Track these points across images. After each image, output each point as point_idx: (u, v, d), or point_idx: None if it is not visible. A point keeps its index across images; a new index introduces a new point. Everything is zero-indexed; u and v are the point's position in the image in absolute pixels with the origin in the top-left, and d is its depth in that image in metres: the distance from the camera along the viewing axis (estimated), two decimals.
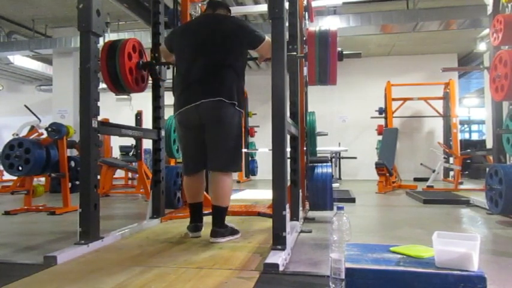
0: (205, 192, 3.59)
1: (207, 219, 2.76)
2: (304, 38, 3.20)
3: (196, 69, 2.55)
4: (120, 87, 2.90)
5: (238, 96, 2.56)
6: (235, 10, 5.51)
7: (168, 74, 3.45)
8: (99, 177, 2.52)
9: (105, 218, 3.28)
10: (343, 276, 1.47)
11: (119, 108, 10.56)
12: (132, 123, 5.41)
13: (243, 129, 9.10)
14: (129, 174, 7.80)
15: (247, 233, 2.80)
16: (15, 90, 11.91)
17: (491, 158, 5.15)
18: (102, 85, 3.13)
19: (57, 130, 4.43)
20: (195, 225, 2.69)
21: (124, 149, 8.10)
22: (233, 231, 2.64)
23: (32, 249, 2.68)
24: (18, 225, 3.74)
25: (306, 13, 3.96)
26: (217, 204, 2.58)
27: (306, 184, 3.60)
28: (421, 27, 6.75)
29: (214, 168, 2.61)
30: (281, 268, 1.93)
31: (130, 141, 7.16)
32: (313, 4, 4.86)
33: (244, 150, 8.96)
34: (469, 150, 8.21)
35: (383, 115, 8.51)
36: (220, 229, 2.55)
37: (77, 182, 4.48)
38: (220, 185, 2.58)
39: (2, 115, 11.76)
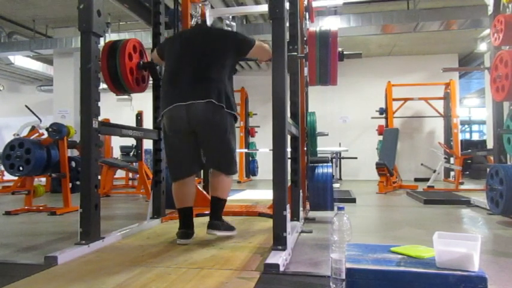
0: (204, 192, 3.60)
1: (204, 220, 2.75)
2: (305, 38, 3.21)
3: (186, 70, 2.51)
4: (120, 87, 2.90)
5: (228, 98, 2.50)
6: (236, 10, 5.50)
7: None
8: (99, 177, 2.51)
9: (105, 218, 3.28)
10: (343, 276, 1.47)
11: (120, 109, 10.57)
12: (133, 124, 5.41)
13: (244, 130, 9.23)
14: (130, 175, 7.81)
15: (248, 233, 2.79)
16: (15, 90, 11.92)
17: (491, 158, 5.14)
18: (103, 85, 3.13)
19: (57, 130, 4.43)
20: (185, 232, 2.52)
21: (125, 149, 8.10)
22: (229, 227, 2.65)
23: (33, 249, 2.69)
24: (19, 225, 3.74)
25: (307, 13, 3.96)
26: (216, 196, 2.60)
27: (307, 184, 3.61)
28: (422, 28, 6.75)
29: (215, 168, 2.63)
30: (282, 268, 1.93)
31: (131, 142, 7.18)
32: (314, 4, 4.86)
33: (244, 150, 9.00)
34: (469, 151, 8.20)
35: (384, 115, 8.51)
36: (217, 221, 2.57)
37: (78, 182, 4.49)
38: (220, 180, 2.60)
39: (2, 115, 11.77)
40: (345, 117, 10.05)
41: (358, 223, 3.61)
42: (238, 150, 8.51)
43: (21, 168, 4.27)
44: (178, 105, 2.43)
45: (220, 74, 2.50)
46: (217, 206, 2.61)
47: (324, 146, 7.74)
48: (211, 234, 2.54)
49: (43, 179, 6.46)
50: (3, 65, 9.41)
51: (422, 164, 8.41)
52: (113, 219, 4.00)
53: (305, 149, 3.62)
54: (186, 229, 2.54)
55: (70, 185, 4.49)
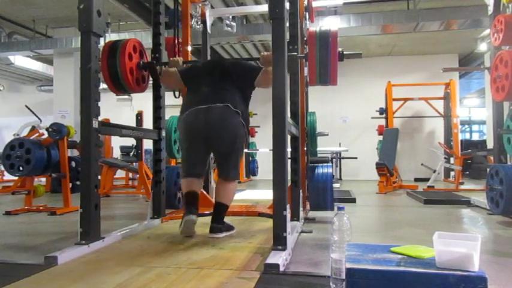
0: (204, 192, 3.60)
1: (204, 220, 2.77)
2: (305, 38, 3.21)
3: (206, 87, 2.76)
4: (120, 87, 2.90)
5: (243, 110, 2.73)
6: (236, 10, 5.49)
7: None
8: (99, 177, 2.51)
9: (105, 218, 3.28)
10: (343, 276, 1.47)
11: (120, 109, 10.57)
12: (133, 124, 5.41)
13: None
14: (130, 175, 7.80)
15: (248, 233, 2.80)
16: (16, 90, 11.92)
17: (492, 158, 5.14)
18: (103, 85, 3.13)
19: (57, 130, 4.43)
20: (190, 210, 2.63)
21: (125, 149, 8.10)
22: (229, 227, 2.75)
23: (33, 249, 2.69)
24: (19, 225, 3.74)
25: (307, 13, 3.96)
26: (220, 201, 2.72)
27: (307, 184, 3.60)
28: (422, 28, 6.74)
29: (222, 176, 2.77)
30: (282, 268, 1.93)
31: (131, 142, 7.17)
32: (314, 4, 4.86)
33: (244, 150, 9.00)
34: (469, 151, 8.21)
35: (384, 115, 8.51)
36: (219, 225, 2.68)
37: (78, 182, 4.49)
38: (226, 187, 2.74)
39: (2, 115, 11.77)
40: (345, 117, 10.05)
41: (358, 223, 3.61)
42: None
43: (21, 168, 4.26)
44: (198, 108, 2.66)
45: (235, 92, 2.75)
46: (220, 209, 2.72)
47: (324, 146, 7.74)
48: (214, 238, 2.61)
49: (43, 179, 6.46)
50: (3, 65, 9.40)
51: (422, 164, 8.41)
52: (113, 219, 4.00)
53: (305, 149, 3.62)
54: (190, 208, 2.65)
55: (70, 185, 4.49)
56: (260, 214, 3.45)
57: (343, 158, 9.15)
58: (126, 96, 10.51)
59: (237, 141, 2.71)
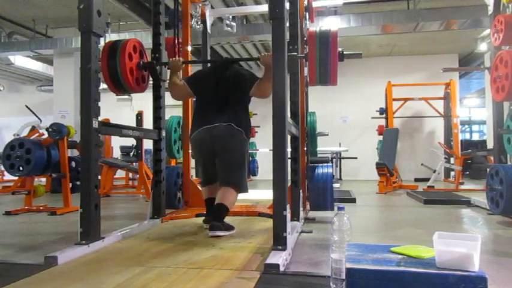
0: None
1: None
2: (305, 39, 3.21)
3: (211, 105, 2.93)
4: (120, 87, 2.90)
5: (245, 125, 2.90)
6: (236, 10, 5.50)
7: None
8: (99, 177, 2.51)
9: (105, 218, 3.28)
10: (343, 276, 1.47)
11: (120, 109, 10.56)
12: (133, 124, 5.41)
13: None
14: (130, 175, 7.80)
15: (248, 233, 2.80)
16: (16, 90, 11.92)
17: (492, 158, 5.14)
18: (103, 85, 3.13)
19: (58, 130, 4.43)
20: (208, 218, 2.95)
21: (125, 149, 8.09)
22: (229, 227, 2.78)
23: (33, 249, 2.69)
24: (19, 225, 3.74)
25: (307, 13, 3.96)
26: (221, 202, 2.79)
27: (307, 184, 3.60)
28: (422, 28, 6.74)
29: (225, 185, 2.87)
30: (282, 268, 1.93)
31: (131, 142, 7.17)
32: (314, 4, 4.86)
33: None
34: (469, 151, 8.20)
35: (384, 115, 8.51)
36: (218, 223, 2.72)
37: (78, 182, 4.49)
38: (229, 192, 2.83)
39: (2, 115, 11.77)
40: (345, 117, 10.05)
41: (358, 223, 3.61)
42: None
43: (21, 168, 4.27)
44: (205, 128, 2.85)
45: (238, 106, 2.92)
46: (220, 209, 2.77)
47: (324, 146, 7.74)
48: (214, 235, 2.64)
49: (43, 179, 6.46)
50: (3, 65, 9.40)
51: (422, 164, 8.41)
52: (113, 219, 4.00)
53: (305, 149, 3.62)
54: (208, 215, 2.98)
55: (70, 185, 4.49)
56: (260, 214, 3.45)
57: (343, 158, 9.15)
58: (126, 96, 10.51)
59: (240, 156, 2.87)
